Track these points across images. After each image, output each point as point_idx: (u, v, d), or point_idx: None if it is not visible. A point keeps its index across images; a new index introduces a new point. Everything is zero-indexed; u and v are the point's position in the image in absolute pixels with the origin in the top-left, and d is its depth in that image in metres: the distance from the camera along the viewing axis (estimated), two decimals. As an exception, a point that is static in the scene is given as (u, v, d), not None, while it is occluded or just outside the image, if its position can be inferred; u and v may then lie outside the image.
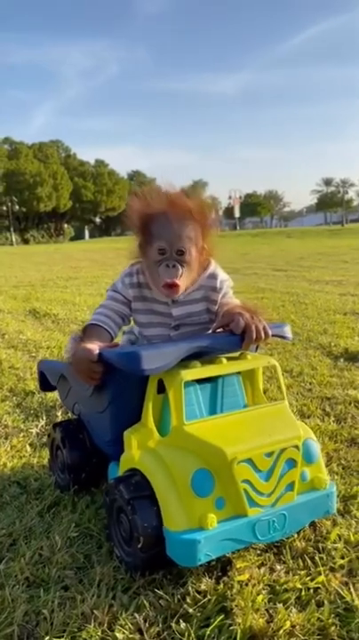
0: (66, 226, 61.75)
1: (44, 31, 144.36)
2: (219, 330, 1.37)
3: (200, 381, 1.30)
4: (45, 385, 1.71)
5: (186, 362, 1.25)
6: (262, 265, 10.13)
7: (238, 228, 55.96)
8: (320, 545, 1.25)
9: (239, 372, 1.37)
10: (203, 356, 1.28)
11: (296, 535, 1.28)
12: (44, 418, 2.14)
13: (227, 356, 1.32)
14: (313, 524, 1.32)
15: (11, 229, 52.45)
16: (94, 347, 1.27)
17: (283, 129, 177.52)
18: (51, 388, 1.70)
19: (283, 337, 1.38)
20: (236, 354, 1.34)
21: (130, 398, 1.31)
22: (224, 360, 1.30)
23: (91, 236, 62.25)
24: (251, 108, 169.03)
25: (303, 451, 1.24)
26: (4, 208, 53.12)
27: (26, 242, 52.39)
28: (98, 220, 68.12)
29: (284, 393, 1.35)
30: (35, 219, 58.18)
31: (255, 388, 1.41)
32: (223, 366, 1.28)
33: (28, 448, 1.88)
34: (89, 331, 1.39)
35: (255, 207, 78.63)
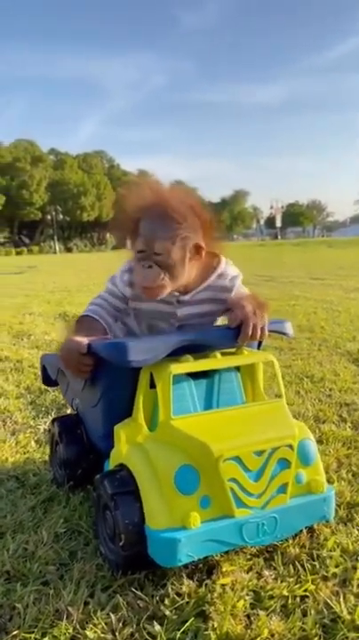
0: (108, 235, 62.60)
1: (92, 43, 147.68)
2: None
3: (195, 377, 1.25)
4: (48, 379, 1.69)
5: (178, 356, 1.21)
6: (300, 273, 9.96)
7: (279, 237, 55.55)
8: (315, 552, 1.18)
9: (238, 369, 1.32)
10: (201, 350, 1.24)
11: (291, 541, 1.21)
12: (54, 415, 2.13)
13: (223, 351, 1.28)
14: (311, 531, 1.25)
15: (55, 238, 53.61)
16: (83, 339, 1.24)
17: (325, 138, 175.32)
18: (54, 383, 1.68)
19: (283, 333, 1.32)
20: (233, 349, 1.29)
21: (122, 392, 1.27)
22: (218, 355, 1.25)
23: (133, 244, 62.81)
24: (292, 118, 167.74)
25: (299, 451, 1.18)
26: (49, 217, 54.35)
27: (69, 250, 53.42)
28: (140, 229, 68.77)
29: (283, 391, 1.29)
30: (78, 228, 59.35)
31: (255, 385, 1.35)
32: (215, 361, 1.23)
33: (33, 444, 1.87)
34: (82, 322, 1.35)
35: (297, 217, 77.79)
